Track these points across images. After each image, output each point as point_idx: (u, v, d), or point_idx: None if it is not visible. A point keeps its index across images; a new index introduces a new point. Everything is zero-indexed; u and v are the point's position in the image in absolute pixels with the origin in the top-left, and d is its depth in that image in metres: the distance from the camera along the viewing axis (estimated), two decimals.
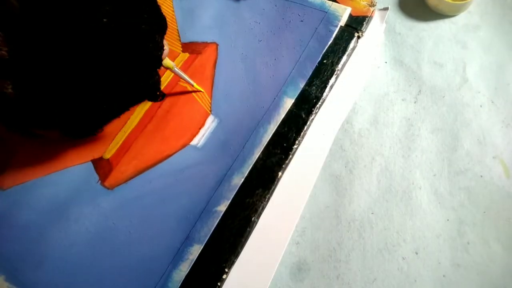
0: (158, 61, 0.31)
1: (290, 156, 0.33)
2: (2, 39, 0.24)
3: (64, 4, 0.25)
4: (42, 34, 0.25)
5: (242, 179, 0.32)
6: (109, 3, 0.26)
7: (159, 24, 0.31)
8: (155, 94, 0.33)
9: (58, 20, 0.25)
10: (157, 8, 0.31)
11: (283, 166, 0.32)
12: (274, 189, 0.32)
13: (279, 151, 0.33)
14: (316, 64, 0.37)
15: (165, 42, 0.31)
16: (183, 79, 0.35)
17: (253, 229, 0.31)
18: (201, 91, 0.36)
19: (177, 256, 0.29)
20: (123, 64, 0.28)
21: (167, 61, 0.33)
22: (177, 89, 0.37)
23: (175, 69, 0.34)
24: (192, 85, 0.36)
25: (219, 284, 0.28)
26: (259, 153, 0.33)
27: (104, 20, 0.26)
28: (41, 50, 0.25)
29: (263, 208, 0.31)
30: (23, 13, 0.24)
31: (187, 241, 0.30)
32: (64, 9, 0.25)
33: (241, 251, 0.30)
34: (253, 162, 0.32)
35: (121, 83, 0.29)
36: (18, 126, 0.29)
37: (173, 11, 0.42)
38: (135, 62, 0.29)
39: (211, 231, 0.30)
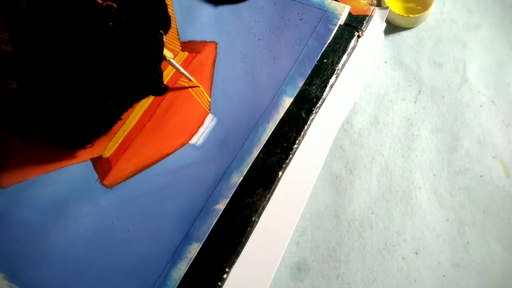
0: (159, 57, 0.32)
1: (290, 156, 0.33)
2: (8, 36, 0.24)
3: (70, 4, 0.26)
4: (48, 33, 0.26)
5: (241, 178, 0.32)
6: (114, 8, 0.28)
7: (163, 23, 0.32)
8: (160, 88, 0.34)
9: (64, 20, 0.26)
10: (163, 8, 0.32)
11: (283, 165, 0.32)
12: (274, 189, 0.32)
13: (279, 151, 0.33)
14: (315, 63, 0.36)
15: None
16: (179, 71, 0.35)
17: (253, 229, 0.30)
18: (198, 86, 0.36)
19: (176, 255, 0.29)
20: (126, 61, 0.29)
21: (165, 51, 0.33)
22: (176, 88, 0.37)
23: (171, 60, 0.34)
24: (189, 79, 0.35)
25: (219, 283, 0.28)
26: (258, 152, 0.33)
27: (110, 23, 0.27)
28: (47, 48, 0.26)
29: (263, 208, 0.31)
30: (31, 12, 0.25)
31: (186, 240, 0.30)
32: (71, 9, 0.26)
33: (242, 250, 0.30)
34: (252, 161, 0.32)
35: (125, 79, 0.30)
36: (18, 126, 0.29)
37: (172, 9, 0.42)
38: (137, 60, 0.30)
39: (210, 230, 0.30)
